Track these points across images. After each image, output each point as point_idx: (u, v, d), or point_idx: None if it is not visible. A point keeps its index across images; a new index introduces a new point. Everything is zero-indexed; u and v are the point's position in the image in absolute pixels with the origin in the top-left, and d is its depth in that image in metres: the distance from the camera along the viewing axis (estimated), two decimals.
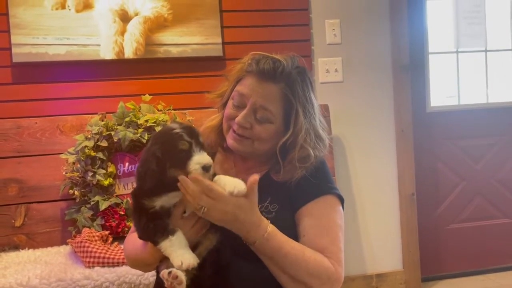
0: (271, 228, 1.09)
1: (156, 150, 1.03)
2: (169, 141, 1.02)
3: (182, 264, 0.99)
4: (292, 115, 1.18)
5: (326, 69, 2.64)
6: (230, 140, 1.22)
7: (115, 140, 2.12)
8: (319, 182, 1.21)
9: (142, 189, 1.05)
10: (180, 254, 1.01)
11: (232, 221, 1.05)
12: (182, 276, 0.99)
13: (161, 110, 2.24)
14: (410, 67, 2.74)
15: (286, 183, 1.19)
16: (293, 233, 1.18)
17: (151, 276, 1.68)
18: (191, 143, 1.02)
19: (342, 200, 1.26)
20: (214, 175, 1.07)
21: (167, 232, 1.03)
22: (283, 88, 1.18)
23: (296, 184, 1.19)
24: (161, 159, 1.02)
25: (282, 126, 1.20)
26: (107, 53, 2.35)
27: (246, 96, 1.19)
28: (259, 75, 1.18)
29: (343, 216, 1.24)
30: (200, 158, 1.02)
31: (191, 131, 1.04)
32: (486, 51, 3.00)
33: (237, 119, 1.18)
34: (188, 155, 1.02)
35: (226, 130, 1.24)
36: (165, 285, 1.00)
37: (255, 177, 1.06)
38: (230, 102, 1.23)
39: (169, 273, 0.99)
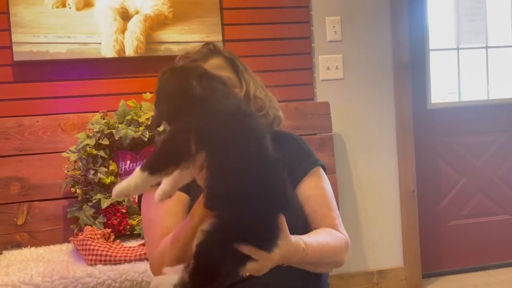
0: (305, 241, 1.04)
1: None
2: None
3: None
4: (239, 72, 1.24)
5: (326, 66, 2.64)
6: None
7: (117, 138, 2.12)
8: (302, 160, 1.25)
9: None
10: None
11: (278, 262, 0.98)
12: None
13: None
14: (411, 64, 2.74)
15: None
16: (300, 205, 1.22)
17: None
18: None
19: (325, 168, 1.30)
20: None
21: None
22: (225, 56, 1.24)
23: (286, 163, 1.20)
24: None
25: (241, 89, 1.25)
26: (108, 51, 2.35)
27: None
28: (199, 59, 1.21)
29: (329, 182, 1.29)
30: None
31: None
32: (487, 47, 3.00)
33: None
34: None
35: None
36: None
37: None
38: None
39: None
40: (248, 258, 0.88)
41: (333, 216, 1.21)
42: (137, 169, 0.89)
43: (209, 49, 1.24)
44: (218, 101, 0.90)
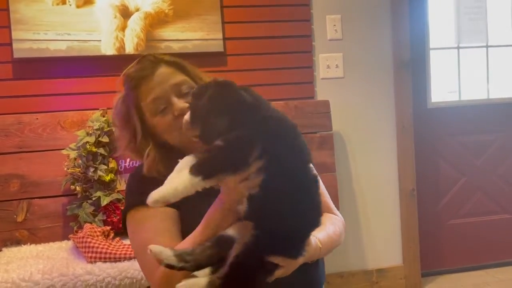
0: (320, 240, 1.09)
1: None
2: None
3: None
4: (190, 73, 1.21)
5: (327, 64, 2.64)
6: None
7: None
8: None
9: None
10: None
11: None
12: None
13: None
14: (411, 63, 2.74)
15: None
16: None
17: None
18: None
19: None
20: None
21: None
22: (169, 61, 1.19)
23: None
24: None
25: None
26: (108, 49, 2.35)
27: (162, 95, 1.14)
28: (149, 74, 1.16)
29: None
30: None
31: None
32: (487, 46, 3.00)
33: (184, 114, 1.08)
34: None
35: (186, 139, 1.07)
36: None
37: None
38: (157, 120, 1.15)
39: None
40: (276, 266, 0.92)
41: (327, 202, 1.27)
42: (185, 173, 0.86)
43: (151, 61, 1.19)
44: (269, 108, 0.93)
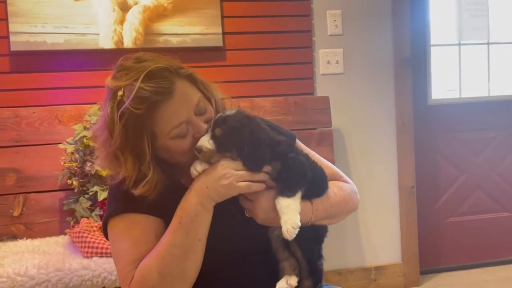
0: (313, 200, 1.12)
1: None
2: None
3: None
4: (201, 88, 1.12)
5: (327, 60, 2.62)
6: None
7: None
8: None
9: None
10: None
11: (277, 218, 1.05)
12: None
13: None
14: (412, 60, 2.72)
15: None
16: None
17: None
18: (207, 130, 1.07)
19: (296, 136, 1.31)
20: None
21: None
22: (182, 74, 1.07)
23: None
24: None
25: (211, 101, 1.15)
26: (106, 42, 2.33)
27: (188, 119, 1.06)
28: (170, 96, 1.02)
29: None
30: (200, 141, 1.05)
31: (217, 121, 1.06)
32: (488, 43, 2.98)
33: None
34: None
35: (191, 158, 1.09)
36: None
37: None
38: (176, 143, 1.06)
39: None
40: None
41: (336, 173, 1.28)
42: (292, 199, 1.03)
43: (168, 77, 1.03)
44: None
